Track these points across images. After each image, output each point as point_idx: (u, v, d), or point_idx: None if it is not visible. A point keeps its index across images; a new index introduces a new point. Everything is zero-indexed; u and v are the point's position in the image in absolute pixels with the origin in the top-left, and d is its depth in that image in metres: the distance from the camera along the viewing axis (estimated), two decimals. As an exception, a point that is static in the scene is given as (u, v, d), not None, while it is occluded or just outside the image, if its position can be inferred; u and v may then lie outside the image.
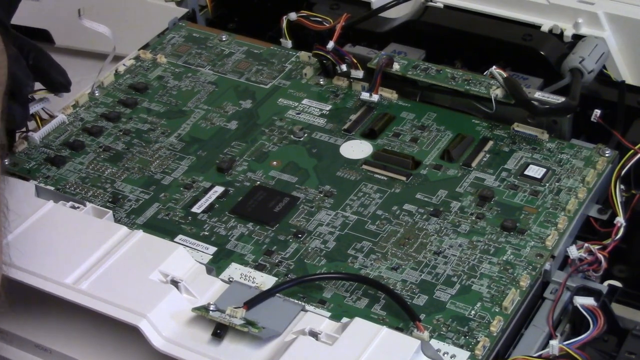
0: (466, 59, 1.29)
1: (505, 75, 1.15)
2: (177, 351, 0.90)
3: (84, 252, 0.97)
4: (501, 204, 1.06)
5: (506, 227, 1.03)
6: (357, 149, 1.14)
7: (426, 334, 0.91)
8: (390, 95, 1.21)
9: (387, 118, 1.18)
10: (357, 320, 0.91)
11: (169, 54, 1.31)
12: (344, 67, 1.22)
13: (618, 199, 1.05)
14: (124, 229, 1.00)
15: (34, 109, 1.16)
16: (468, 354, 0.91)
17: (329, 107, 1.21)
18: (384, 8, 1.31)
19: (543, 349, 0.94)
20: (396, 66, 1.20)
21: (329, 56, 1.22)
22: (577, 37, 1.24)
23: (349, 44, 1.29)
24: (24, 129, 1.17)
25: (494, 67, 1.16)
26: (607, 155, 1.11)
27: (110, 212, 1.05)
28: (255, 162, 1.13)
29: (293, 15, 1.28)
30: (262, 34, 1.38)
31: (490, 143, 1.14)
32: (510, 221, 1.03)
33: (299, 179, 1.11)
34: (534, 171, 1.10)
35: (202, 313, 0.91)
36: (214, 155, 1.14)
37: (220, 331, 0.91)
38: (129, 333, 0.91)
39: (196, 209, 1.07)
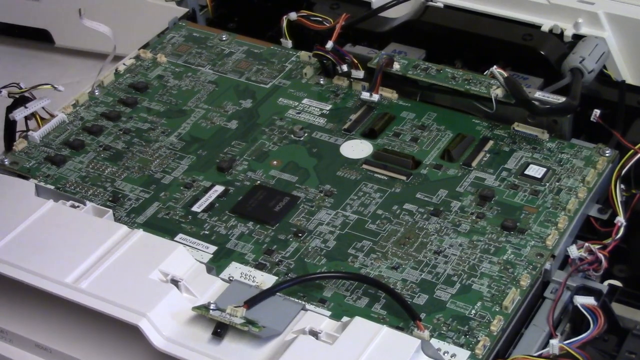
0: (466, 58, 1.29)
1: (505, 75, 1.15)
2: (177, 350, 0.90)
3: (84, 251, 0.97)
4: (501, 203, 1.06)
5: (506, 227, 1.03)
6: (357, 148, 1.14)
7: (426, 333, 0.91)
8: (391, 95, 1.21)
9: (387, 118, 1.18)
10: (358, 320, 0.91)
11: (169, 53, 1.31)
12: (344, 67, 1.22)
13: (618, 199, 1.04)
14: (124, 228, 1.00)
15: (33, 108, 1.16)
16: (468, 353, 0.91)
17: (329, 107, 1.21)
18: (384, 8, 1.31)
19: (543, 348, 0.94)
20: (396, 66, 1.20)
21: (329, 56, 1.22)
22: (578, 37, 1.24)
23: (349, 43, 1.29)
24: (23, 129, 1.17)
25: (494, 66, 1.16)
26: (607, 155, 1.11)
27: (111, 211, 1.05)
28: (255, 162, 1.13)
29: (293, 15, 1.28)
30: (262, 33, 1.38)
31: (491, 143, 1.14)
32: (510, 221, 1.03)
33: (299, 179, 1.11)
34: (534, 171, 1.10)
35: (202, 312, 0.91)
36: (214, 154, 1.14)
37: (220, 330, 0.90)
38: (129, 332, 0.91)
39: (196, 208, 1.07)
